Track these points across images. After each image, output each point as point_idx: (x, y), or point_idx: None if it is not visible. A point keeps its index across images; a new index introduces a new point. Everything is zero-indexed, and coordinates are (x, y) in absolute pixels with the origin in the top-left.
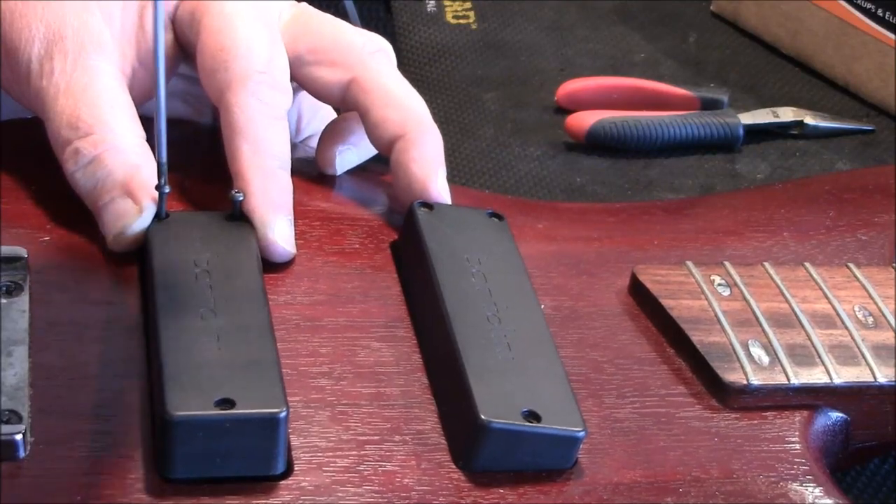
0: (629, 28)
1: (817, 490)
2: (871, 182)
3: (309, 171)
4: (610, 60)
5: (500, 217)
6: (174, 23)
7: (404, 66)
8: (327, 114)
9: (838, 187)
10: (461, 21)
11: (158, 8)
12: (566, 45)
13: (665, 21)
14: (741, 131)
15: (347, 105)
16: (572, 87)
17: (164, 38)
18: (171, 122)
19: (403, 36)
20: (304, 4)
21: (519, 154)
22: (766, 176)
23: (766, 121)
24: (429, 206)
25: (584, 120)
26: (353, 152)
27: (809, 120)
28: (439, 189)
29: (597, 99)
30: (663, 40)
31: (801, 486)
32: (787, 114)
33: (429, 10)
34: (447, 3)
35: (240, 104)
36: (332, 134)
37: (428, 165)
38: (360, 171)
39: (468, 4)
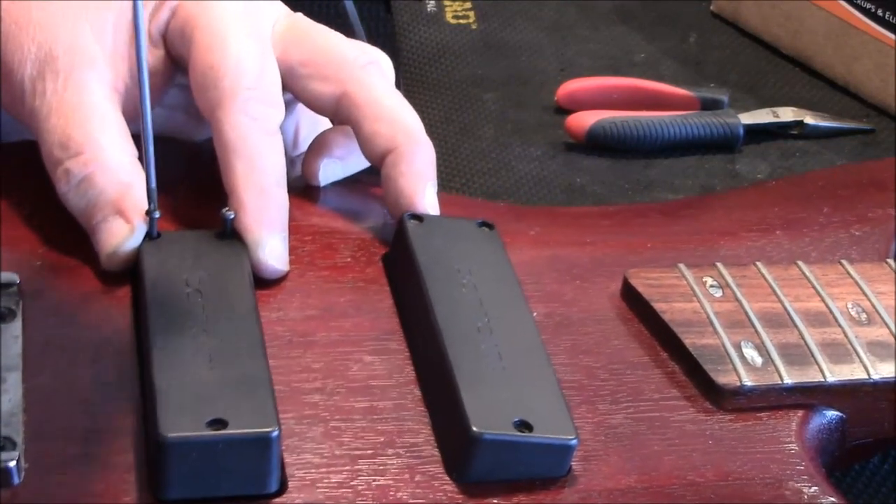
0: (629, 28)
1: (814, 489)
2: (866, 177)
3: (299, 185)
4: (610, 60)
5: (490, 226)
6: (166, 37)
7: (404, 66)
8: (326, 126)
9: (832, 183)
10: (461, 21)
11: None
12: (566, 45)
13: (665, 21)
14: (741, 131)
15: (340, 119)
16: (572, 87)
17: (156, 56)
18: (168, 138)
19: (403, 36)
20: (299, 15)
21: (519, 154)
22: (766, 176)
23: (766, 121)
24: (419, 217)
25: (584, 120)
26: (337, 165)
27: (809, 120)
28: (426, 204)
29: (597, 99)
30: (663, 40)
31: (798, 485)
32: (787, 114)
33: (429, 10)
34: (447, 3)
35: (230, 122)
36: (318, 146)
37: (416, 179)
38: (350, 183)
39: (468, 4)
